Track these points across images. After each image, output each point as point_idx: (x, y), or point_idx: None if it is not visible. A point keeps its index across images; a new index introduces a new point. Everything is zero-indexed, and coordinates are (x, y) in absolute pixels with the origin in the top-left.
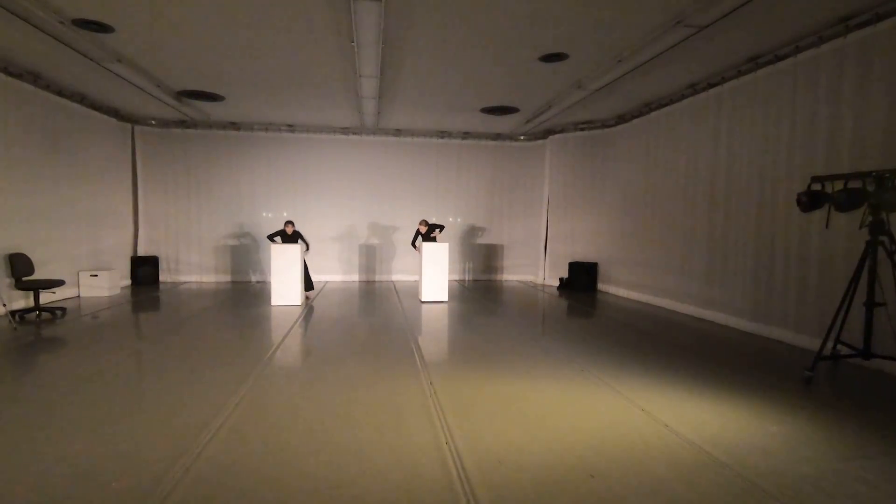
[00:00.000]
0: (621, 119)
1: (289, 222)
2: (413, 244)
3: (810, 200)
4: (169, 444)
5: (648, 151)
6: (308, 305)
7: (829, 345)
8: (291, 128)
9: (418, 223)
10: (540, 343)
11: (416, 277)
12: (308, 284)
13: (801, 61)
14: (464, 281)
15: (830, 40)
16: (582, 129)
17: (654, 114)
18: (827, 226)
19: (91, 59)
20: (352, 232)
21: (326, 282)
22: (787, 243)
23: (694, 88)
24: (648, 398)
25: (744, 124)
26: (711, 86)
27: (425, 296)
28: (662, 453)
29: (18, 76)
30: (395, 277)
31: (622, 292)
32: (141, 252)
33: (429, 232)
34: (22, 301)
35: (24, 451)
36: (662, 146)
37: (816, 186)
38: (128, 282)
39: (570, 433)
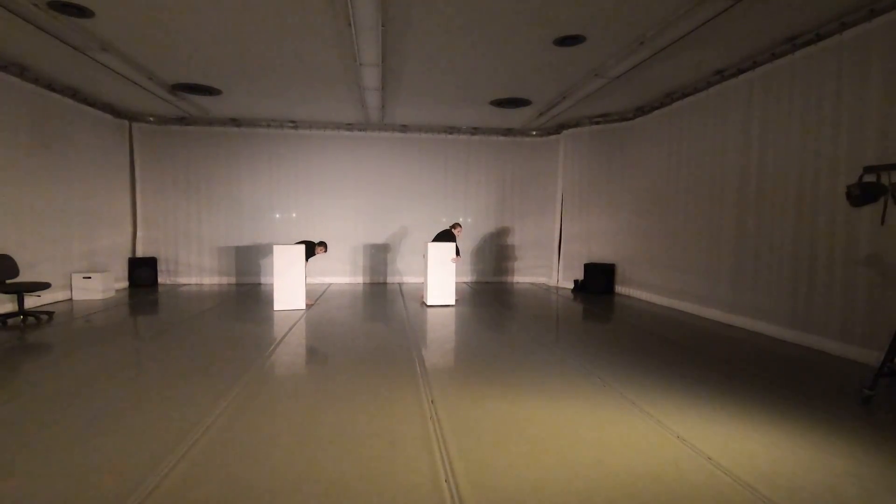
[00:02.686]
0: (640, 111)
1: (321, 243)
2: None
3: (863, 193)
4: (117, 482)
5: (671, 145)
6: (307, 310)
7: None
8: (294, 124)
9: (452, 226)
10: (555, 353)
11: (422, 279)
12: None
13: (847, 39)
14: (473, 283)
15: (884, 13)
16: (598, 123)
17: (676, 104)
18: (883, 222)
19: (75, 48)
20: (356, 232)
21: (330, 284)
22: (830, 242)
23: (722, 75)
24: (682, 421)
25: (779, 113)
26: (741, 71)
27: (430, 299)
28: (712, 498)
29: (3, 68)
30: (402, 279)
31: (642, 295)
32: (139, 253)
33: (449, 237)
34: (9, 305)
35: None
36: (686, 139)
37: (870, 177)
38: (125, 284)
39: (595, 468)
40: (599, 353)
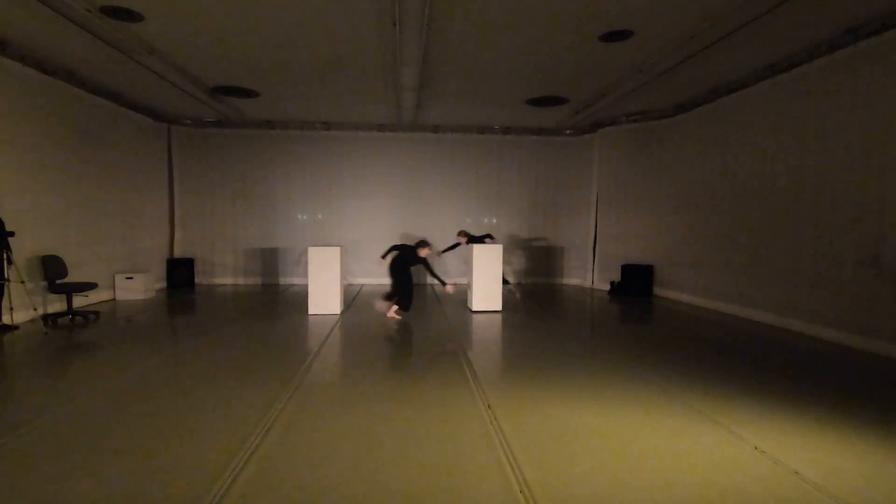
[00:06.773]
0: (681, 108)
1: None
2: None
3: None
4: (187, 484)
5: (714, 143)
6: (343, 314)
7: None
8: (327, 125)
9: (457, 235)
10: (606, 358)
11: (455, 281)
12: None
13: None
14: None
15: None
16: (635, 121)
17: (721, 100)
18: None
19: (122, 52)
20: (388, 233)
21: (363, 285)
22: None
23: (773, 69)
24: (758, 432)
25: (839, 108)
26: (794, 65)
27: (476, 304)
28: None
29: (53, 73)
30: (433, 280)
31: (683, 297)
32: (177, 254)
33: (474, 241)
34: (58, 304)
35: None
36: (732, 137)
37: None
38: (164, 284)
39: (674, 481)
40: (651, 358)
